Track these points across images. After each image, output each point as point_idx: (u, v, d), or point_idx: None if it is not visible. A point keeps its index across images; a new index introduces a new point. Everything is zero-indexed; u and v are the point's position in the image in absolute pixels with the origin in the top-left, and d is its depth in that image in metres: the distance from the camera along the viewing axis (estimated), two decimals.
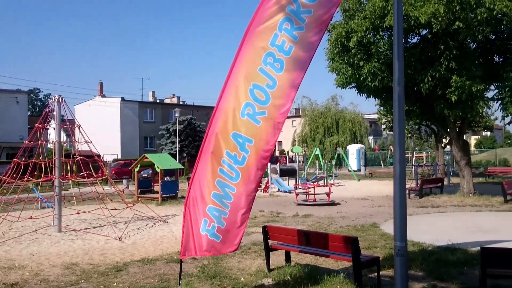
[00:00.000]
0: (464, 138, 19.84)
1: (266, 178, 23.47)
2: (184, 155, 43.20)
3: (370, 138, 63.95)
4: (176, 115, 37.82)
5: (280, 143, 73.66)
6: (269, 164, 23.79)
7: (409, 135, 36.91)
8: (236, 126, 5.03)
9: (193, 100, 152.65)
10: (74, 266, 8.20)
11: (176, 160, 29.23)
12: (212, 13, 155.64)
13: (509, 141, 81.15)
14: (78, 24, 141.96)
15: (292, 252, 7.95)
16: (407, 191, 18.92)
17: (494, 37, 16.93)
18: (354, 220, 13.16)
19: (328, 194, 17.60)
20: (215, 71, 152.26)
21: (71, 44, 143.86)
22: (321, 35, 4.91)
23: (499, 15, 14.77)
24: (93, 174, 13.68)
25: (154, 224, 13.05)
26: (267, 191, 22.86)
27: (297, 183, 23.01)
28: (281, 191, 22.86)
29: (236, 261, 8.28)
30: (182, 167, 26.89)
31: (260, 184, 23.08)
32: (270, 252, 7.75)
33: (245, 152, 4.97)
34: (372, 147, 60.02)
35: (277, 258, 8.08)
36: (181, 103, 60.02)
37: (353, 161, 39.22)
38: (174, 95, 62.95)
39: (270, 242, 7.73)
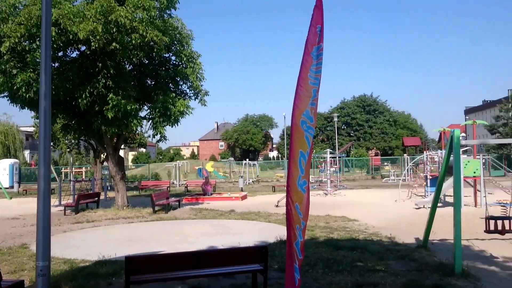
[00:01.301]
0: (121, 154, 20.88)
1: None
2: None
3: (26, 152, 59.66)
4: None
5: None
6: None
7: (68, 150, 36.20)
8: None
9: None
10: None
11: None
12: None
13: (161, 157, 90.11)
14: None
15: None
16: (63, 207, 18.49)
17: (147, 61, 18.59)
18: (1, 243, 11.89)
19: None
20: None
21: None
22: None
23: (151, 43, 16.32)
24: None
25: None
26: None
27: None
28: None
29: None
30: None
31: None
32: None
33: None
34: (28, 162, 55.95)
35: None
36: None
37: (5, 178, 35.82)
38: None
39: None
